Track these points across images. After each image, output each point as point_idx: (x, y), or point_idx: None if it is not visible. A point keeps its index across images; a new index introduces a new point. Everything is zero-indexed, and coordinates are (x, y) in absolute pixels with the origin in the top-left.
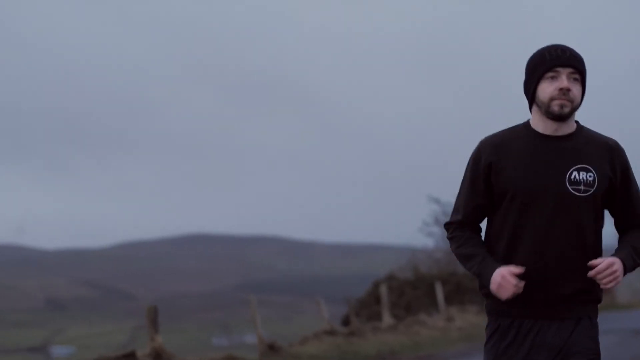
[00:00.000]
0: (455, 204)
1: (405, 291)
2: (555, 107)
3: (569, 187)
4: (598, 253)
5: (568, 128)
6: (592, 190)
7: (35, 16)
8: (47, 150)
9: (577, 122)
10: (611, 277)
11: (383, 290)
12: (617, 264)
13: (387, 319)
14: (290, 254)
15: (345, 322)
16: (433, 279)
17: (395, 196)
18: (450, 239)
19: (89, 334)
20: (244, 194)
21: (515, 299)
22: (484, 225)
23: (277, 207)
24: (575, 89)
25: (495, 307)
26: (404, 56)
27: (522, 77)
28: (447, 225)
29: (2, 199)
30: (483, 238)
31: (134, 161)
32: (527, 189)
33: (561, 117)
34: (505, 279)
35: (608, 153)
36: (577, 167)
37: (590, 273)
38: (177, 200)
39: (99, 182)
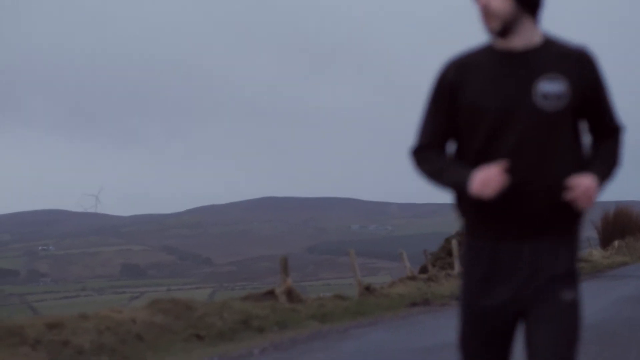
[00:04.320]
0: (418, 129)
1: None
2: (484, 25)
3: (538, 102)
4: (573, 169)
5: (525, 40)
6: (564, 103)
7: None
8: (118, 120)
9: (545, 33)
10: (586, 199)
11: (454, 244)
12: (592, 184)
13: (457, 267)
14: (363, 216)
15: (423, 271)
16: None
17: None
18: (416, 164)
19: None
20: (316, 157)
21: (490, 220)
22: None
23: (350, 170)
24: (496, 2)
25: (471, 228)
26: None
27: None
28: (411, 152)
29: (78, 170)
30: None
31: (204, 128)
32: (493, 108)
33: (499, 34)
34: (488, 172)
35: (578, 61)
36: (544, 79)
37: (566, 196)
38: (250, 165)
39: (171, 150)
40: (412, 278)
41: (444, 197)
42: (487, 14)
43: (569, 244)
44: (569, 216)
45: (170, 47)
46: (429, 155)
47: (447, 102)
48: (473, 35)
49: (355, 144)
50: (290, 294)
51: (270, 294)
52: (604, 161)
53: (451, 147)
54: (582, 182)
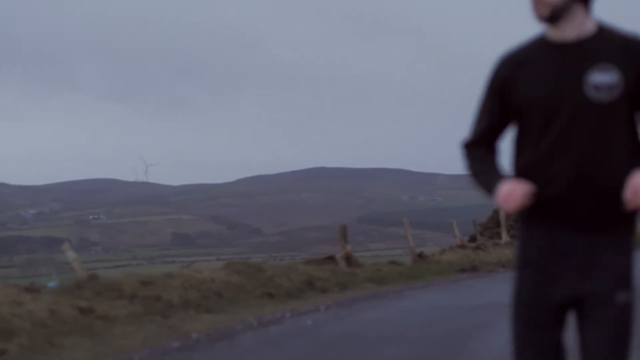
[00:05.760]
0: (472, 123)
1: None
2: (533, 11)
3: (589, 93)
4: (627, 162)
5: (577, 29)
6: (617, 94)
7: None
8: (169, 89)
9: (600, 22)
10: (637, 198)
11: (501, 215)
12: None
13: (504, 237)
14: (412, 187)
15: (472, 240)
16: None
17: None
18: (464, 158)
19: None
20: (365, 127)
21: (544, 212)
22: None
23: (399, 140)
24: None
25: (525, 217)
26: None
27: None
28: (462, 145)
29: (128, 139)
30: (501, 158)
31: (254, 97)
32: (544, 100)
33: (547, 21)
34: (511, 188)
35: (632, 51)
36: (596, 69)
37: (620, 193)
38: (300, 135)
39: (221, 119)
40: (462, 246)
41: None
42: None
43: (623, 243)
44: (623, 213)
45: (221, 15)
46: (475, 153)
47: (500, 100)
48: (524, 5)
49: (405, 114)
50: (348, 259)
51: (330, 259)
52: None
53: (503, 144)
54: (634, 181)
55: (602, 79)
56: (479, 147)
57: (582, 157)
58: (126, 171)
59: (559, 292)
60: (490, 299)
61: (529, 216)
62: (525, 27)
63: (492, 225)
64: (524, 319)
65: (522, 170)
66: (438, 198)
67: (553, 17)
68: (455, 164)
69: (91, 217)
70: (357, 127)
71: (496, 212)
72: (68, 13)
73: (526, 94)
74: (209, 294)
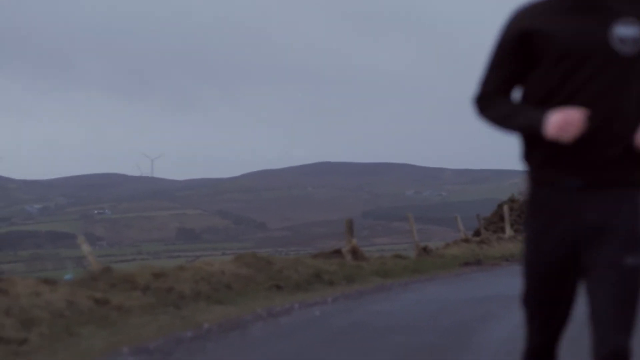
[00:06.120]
0: (482, 77)
1: (524, 210)
2: None
3: (615, 45)
4: None
5: None
6: (638, 48)
7: None
8: (174, 83)
9: None
10: None
11: (505, 209)
12: None
13: (508, 231)
14: (417, 181)
15: (476, 235)
16: None
17: None
18: (480, 111)
19: None
20: (371, 122)
21: (558, 164)
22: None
23: (405, 135)
24: None
25: (536, 174)
26: None
27: None
28: (475, 99)
29: (133, 133)
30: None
31: (259, 92)
32: (569, 50)
33: None
34: (568, 115)
35: None
36: (621, 23)
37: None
38: (305, 130)
39: (226, 114)
40: (466, 240)
41: (498, 163)
42: None
43: (633, 202)
44: (637, 164)
45: (227, 10)
46: (495, 102)
47: (518, 49)
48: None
49: (411, 109)
50: (355, 253)
51: (337, 252)
52: None
53: (517, 94)
54: None
55: (627, 32)
56: (495, 97)
57: (606, 108)
58: (131, 166)
59: (568, 252)
60: (494, 291)
61: (539, 174)
62: None
63: (496, 220)
64: (532, 273)
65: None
66: (443, 193)
67: None
68: (460, 158)
69: (96, 211)
70: (362, 122)
71: (500, 206)
72: (76, 9)
73: (550, 43)
74: (219, 286)
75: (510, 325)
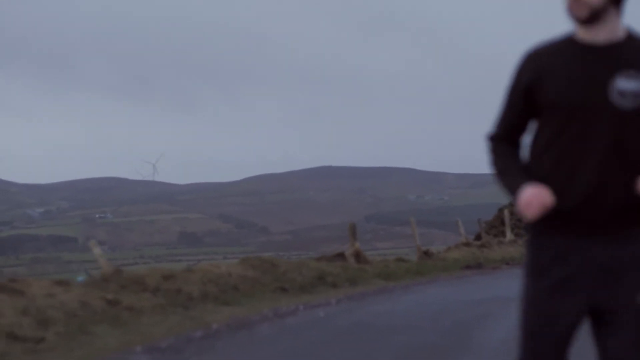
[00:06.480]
0: (497, 116)
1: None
2: (570, 12)
3: (614, 99)
4: None
5: (609, 33)
6: (639, 103)
7: None
8: (176, 87)
9: (629, 27)
10: None
11: (506, 214)
12: None
13: (509, 235)
14: (420, 186)
15: (478, 239)
16: None
17: None
18: (489, 151)
19: None
20: (373, 126)
21: (558, 217)
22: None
23: (407, 139)
24: None
25: (536, 223)
26: None
27: None
28: (488, 138)
29: (135, 137)
30: (523, 153)
31: (261, 96)
32: (567, 103)
33: (584, 22)
34: (533, 193)
35: None
36: (622, 76)
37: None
38: (308, 134)
39: (228, 118)
40: (467, 244)
41: None
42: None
43: None
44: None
45: (229, 13)
46: (499, 148)
47: (523, 99)
48: (532, 3)
49: (413, 113)
50: (358, 256)
51: (340, 256)
52: None
53: (526, 141)
54: None
55: (628, 85)
56: (504, 142)
57: (599, 162)
58: (133, 170)
59: (571, 302)
60: (494, 293)
61: (542, 223)
62: (534, 26)
63: (497, 224)
64: (531, 330)
65: (539, 173)
66: (445, 197)
67: (591, 19)
68: (462, 162)
69: (98, 215)
70: (365, 126)
71: (501, 211)
72: (77, 11)
73: (551, 93)
74: (226, 287)
75: (510, 326)
